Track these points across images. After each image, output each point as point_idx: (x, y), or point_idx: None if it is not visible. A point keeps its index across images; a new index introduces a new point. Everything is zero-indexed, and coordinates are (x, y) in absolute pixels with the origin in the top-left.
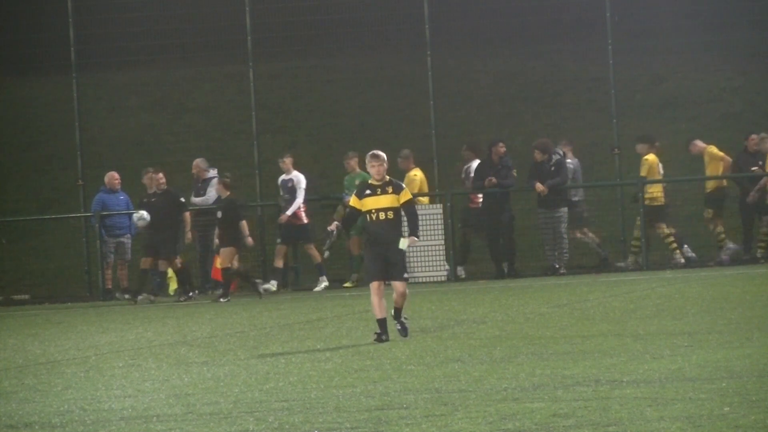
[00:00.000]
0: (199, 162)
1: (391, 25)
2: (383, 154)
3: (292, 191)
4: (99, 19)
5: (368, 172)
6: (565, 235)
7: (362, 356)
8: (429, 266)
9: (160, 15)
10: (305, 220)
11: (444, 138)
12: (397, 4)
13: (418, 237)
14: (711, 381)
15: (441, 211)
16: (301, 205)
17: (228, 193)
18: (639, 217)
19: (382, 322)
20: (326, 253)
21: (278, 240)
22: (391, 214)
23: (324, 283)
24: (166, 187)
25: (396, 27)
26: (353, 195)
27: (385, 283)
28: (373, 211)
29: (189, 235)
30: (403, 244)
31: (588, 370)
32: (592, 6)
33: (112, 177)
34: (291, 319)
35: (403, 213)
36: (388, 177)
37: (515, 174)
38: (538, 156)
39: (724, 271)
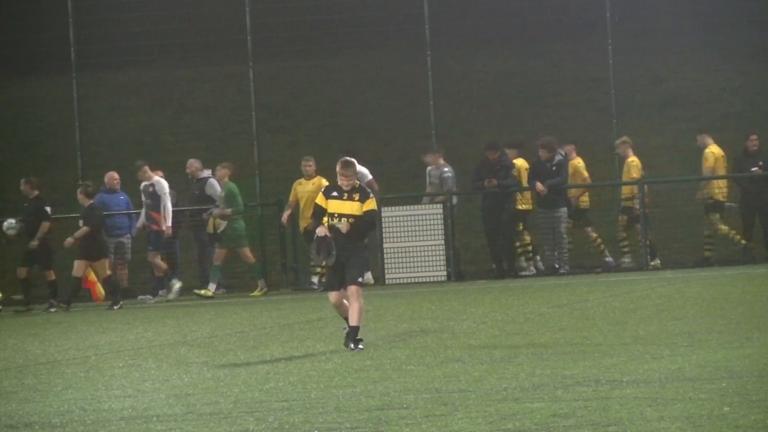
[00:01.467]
0: (193, 162)
1: (391, 25)
2: (352, 161)
3: (153, 197)
4: (99, 19)
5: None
6: (565, 235)
7: (362, 356)
8: (429, 266)
9: (160, 15)
10: (163, 227)
11: (444, 138)
12: (397, 4)
13: (351, 232)
14: (711, 381)
15: (441, 211)
16: (162, 212)
17: (36, 193)
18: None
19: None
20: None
21: (150, 248)
22: (351, 221)
23: (156, 298)
24: (37, 193)
25: (396, 27)
26: (320, 193)
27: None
28: (336, 215)
29: (34, 242)
30: (342, 226)
31: (588, 370)
32: (592, 6)
33: (112, 177)
34: (291, 319)
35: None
36: (357, 183)
37: (515, 173)
38: (543, 154)
39: (724, 271)
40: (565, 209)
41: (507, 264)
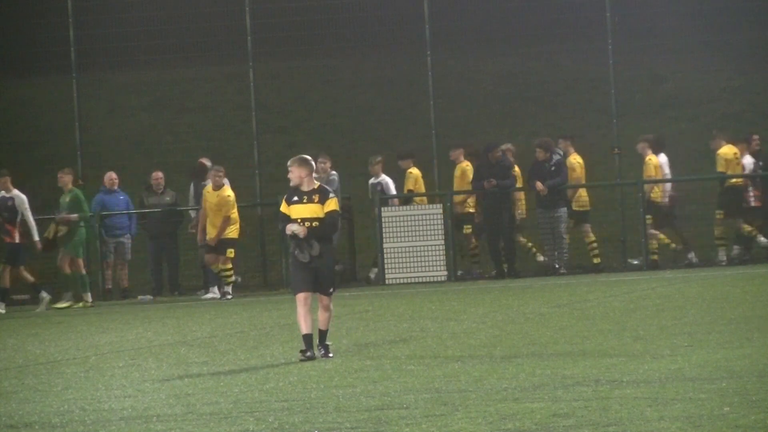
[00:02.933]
0: (212, 165)
1: (391, 25)
2: (306, 158)
3: (11, 210)
4: (99, 19)
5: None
6: (565, 235)
7: (362, 356)
8: (429, 266)
9: (160, 15)
10: (17, 240)
11: (444, 138)
12: (397, 4)
13: (306, 234)
14: (711, 381)
15: (441, 211)
16: (17, 225)
17: None
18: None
19: (307, 338)
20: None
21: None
22: (316, 224)
23: (44, 306)
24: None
25: (396, 27)
26: (283, 200)
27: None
28: (299, 220)
29: None
30: (298, 229)
31: (588, 370)
32: (592, 6)
33: (110, 177)
34: (291, 319)
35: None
36: (317, 184)
37: (514, 173)
38: (540, 155)
39: (724, 271)
40: (565, 209)
41: (507, 264)
